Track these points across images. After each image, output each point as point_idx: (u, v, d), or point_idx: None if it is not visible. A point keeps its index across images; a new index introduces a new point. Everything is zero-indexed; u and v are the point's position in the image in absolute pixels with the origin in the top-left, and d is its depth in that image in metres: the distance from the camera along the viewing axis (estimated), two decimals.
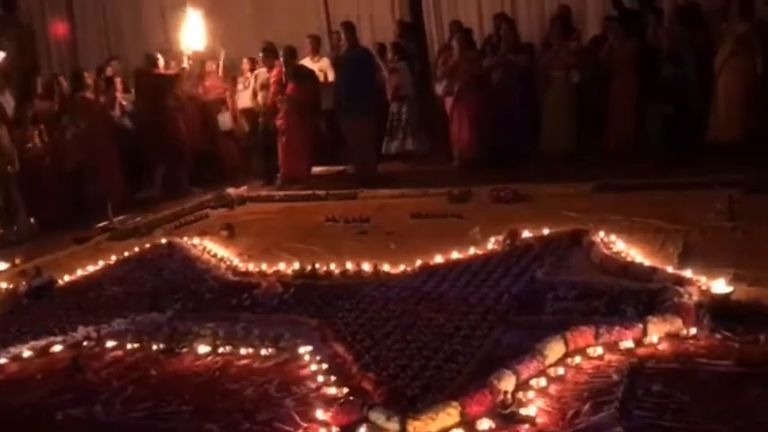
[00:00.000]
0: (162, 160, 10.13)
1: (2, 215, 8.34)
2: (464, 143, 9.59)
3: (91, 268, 6.65)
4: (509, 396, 3.45)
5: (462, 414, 3.36)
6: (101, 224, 8.29)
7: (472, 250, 5.80)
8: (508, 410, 3.40)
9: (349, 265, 5.79)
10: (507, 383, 3.53)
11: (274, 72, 9.78)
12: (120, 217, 8.50)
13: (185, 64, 10.59)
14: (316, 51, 10.52)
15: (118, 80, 10.32)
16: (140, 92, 10.22)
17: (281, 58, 9.76)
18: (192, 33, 10.64)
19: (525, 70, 9.35)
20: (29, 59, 11.29)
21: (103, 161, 9.41)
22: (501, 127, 9.32)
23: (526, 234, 5.93)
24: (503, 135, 9.32)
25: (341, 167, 10.34)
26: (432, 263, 5.60)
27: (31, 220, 8.56)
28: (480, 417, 3.37)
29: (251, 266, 6.18)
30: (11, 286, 6.33)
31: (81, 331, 4.99)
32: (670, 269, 4.87)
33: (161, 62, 10.23)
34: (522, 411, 3.40)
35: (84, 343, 4.92)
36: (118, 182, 9.57)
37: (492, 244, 5.91)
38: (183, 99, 10.27)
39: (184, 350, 4.62)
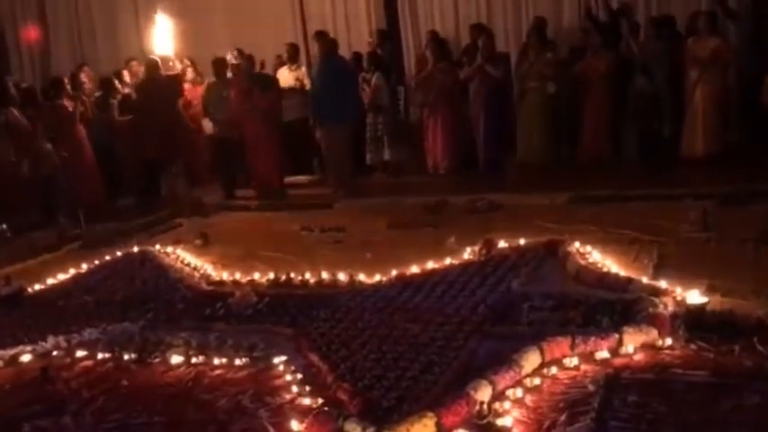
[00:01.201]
0: (174, 160, 10.19)
1: None
2: (439, 153, 9.61)
3: (61, 276, 6.55)
4: (485, 406, 3.43)
5: (438, 425, 3.33)
6: (71, 233, 8.16)
7: (448, 260, 5.79)
8: (484, 421, 3.38)
9: (324, 275, 5.76)
10: (483, 394, 3.51)
11: (235, 82, 9.70)
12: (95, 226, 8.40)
13: (178, 66, 10.57)
14: (293, 60, 10.48)
15: (87, 85, 10.22)
16: (149, 94, 10.09)
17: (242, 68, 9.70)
18: (163, 39, 10.57)
19: (501, 81, 9.38)
20: None
21: (80, 168, 9.30)
22: (476, 137, 9.35)
23: (502, 244, 5.93)
24: (478, 146, 9.34)
25: (315, 177, 10.30)
26: (407, 273, 5.58)
27: (3, 226, 8.42)
28: (456, 427, 3.35)
29: (225, 275, 6.12)
30: None
31: (51, 341, 4.90)
32: (645, 280, 4.89)
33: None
34: (499, 422, 3.38)
35: (54, 353, 4.83)
36: (95, 190, 9.44)
37: (468, 254, 5.90)
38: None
39: (156, 360, 4.55)
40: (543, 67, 9.16)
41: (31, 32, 13.14)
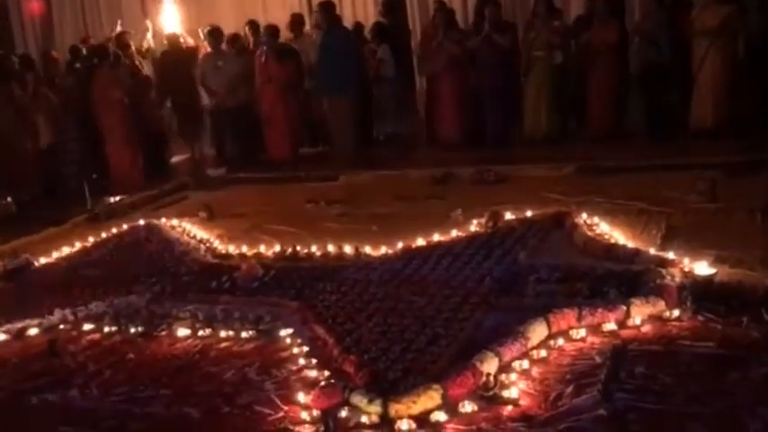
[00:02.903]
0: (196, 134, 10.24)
1: None
2: (446, 125, 9.53)
3: (68, 250, 6.55)
4: (491, 378, 3.42)
5: (444, 396, 3.33)
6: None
7: (454, 233, 5.77)
8: (490, 393, 3.38)
9: (330, 248, 5.75)
10: (490, 366, 3.50)
11: (258, 53, 9.65)
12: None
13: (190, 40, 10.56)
14: (298, 31, 10.38)
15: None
16: (170, 68, 10.05)
17: (263, 38, 9.65)
18: (170, 13, 10.52)
19: (508, 51, 9.28)
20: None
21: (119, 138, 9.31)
22: (483, 108, 9.26)
23: (508, 216, 5.91)
24: (485, 116, 9.27)
25: (321, 149, 10.26)
26: (413, 245, 5.56)
27: (8, 199, 8.43)
28: (462, 399, 3.34)
29: (231, 248, 6.11)
30: None
31: (57, 314, 4.91)
32: (653, 251, 4.87)
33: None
34: (505, 393, 3.38)
35: (61, 326, 4.84)
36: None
37: (474, 226, 5.88)
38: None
39: (163, 333, 4.56)
40: (550, 35, 9.04)
41: (35, 5, 13.05)
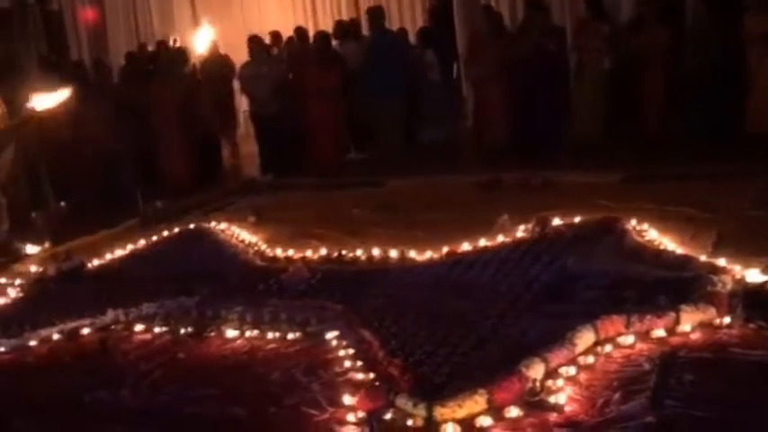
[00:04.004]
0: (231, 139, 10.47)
1: (32, 200, 8.39)
2: (493, 129, 9.49)
3: (120, 252, 6.69)
4: (537, 384, 3.41)
5: (489, 401, 3.32)
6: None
7: (501, 238, 5.74)
8: (536, 398, 3.36)
9: (375, 252, 5.77)
10: (536, 371, 3.48)
11: (304, 59, 9.76)
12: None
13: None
14: (342, 36, 10.46)
15: None
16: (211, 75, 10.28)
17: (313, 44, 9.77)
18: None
19: (557, 56, 9.22)
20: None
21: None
22: (531, 113, 9.21)
23: (556, 222, 5.85)
24: (533, 121, 9.21)
25: (366, 154, 10.30)
26: (459, 250, 5.55)
27: (62, 204, 8.63)
28: (508, 404, 3.33)
29: (278, 252, 6.17)
30: (41, 270, 6.37)
31: (110, 314, 5.01)
32: (703, 258, 4.78)
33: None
34: (551, 399, 3.35)
35: (113, 326, 4.94)
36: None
37: (521, 232, 5.84)
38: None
39: (212, 334, 4.63)
40: (599, 41, 8.96)
41: (89, 13, 13.36)
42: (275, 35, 10.97)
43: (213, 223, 7.25)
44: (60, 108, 7.46)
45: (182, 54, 10.12)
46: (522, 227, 5.89)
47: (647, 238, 5.35)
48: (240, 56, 10.65)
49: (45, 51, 11.25)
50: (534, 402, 3.35)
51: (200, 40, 11.29)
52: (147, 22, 13.61)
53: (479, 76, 9.58)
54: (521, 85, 9.32)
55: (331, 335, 4.35)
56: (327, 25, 11.10)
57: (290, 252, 6.08)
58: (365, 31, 10.79)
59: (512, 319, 4.25)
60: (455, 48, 11.06)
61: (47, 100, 6.83)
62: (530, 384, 3.40)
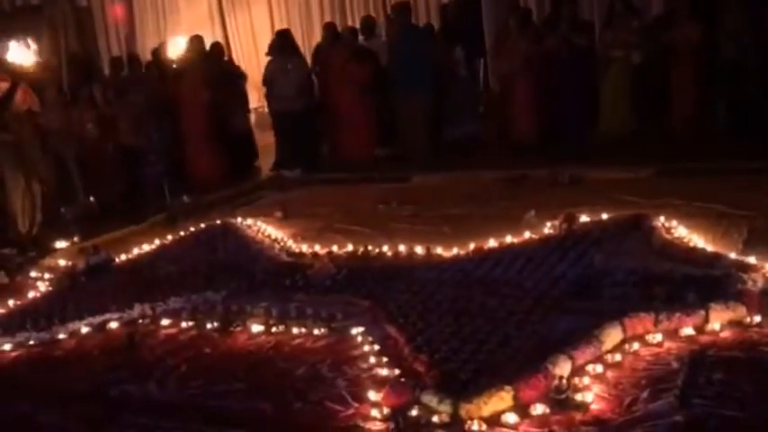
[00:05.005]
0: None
1: (61, 195, 8.48)
2: (520, 125, 9.43)
3: (147, 247, 6.74)
4: (564, 381, 3.38)
5: (515, 398, 3.31)
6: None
7: (527, 234, 5.70)
8: (563, 396, 3.33)
9: (401, 248, 5.76)
10: (562, 369, 3.46)
11: (334, 54, 9.76)
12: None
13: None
14: (370, 33, 10.44)
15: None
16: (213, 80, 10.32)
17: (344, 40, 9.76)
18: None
19: (585, 50, 9.14)
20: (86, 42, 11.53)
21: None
22: (559, 108, 9.13)
23: (583, 218, 5.81)
24: (560, 117, 9.13)
25: (393, 150, 10.28)
26: (485, 247, 5.52)
27: (91, 199, 8.72)
28: (534, 401, 3.31)
29: (304, 248, 6.19)
30: (69, 264, 6.44)
31: (137, 309, 5.05)
32: (733, 255, 4.72)
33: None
34: (578, 397, 3.33)
35: (140, 320, 4.99)
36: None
37: (548, 228, 5.80)
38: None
39: (238, 329, 4.65)
40: (629, 35, 8.86)
41: (118, 10, 13.48)
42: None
43: (239, 219, 7.28)
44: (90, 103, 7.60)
45: (214, 51, 10.16)
46: (549, 223, 5.85)
47: (675, 235, 5.29)
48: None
49: (75, 47, 11.34)
50: (560, 400, 3.32)
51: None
52: (175, 19, 13.68)
53: (506, 71, 9.51)
54: (548, 80, 9.25)
55: (356, 330, 4.35)
56: (355, 22, 11.10)
57: (317, 247, 6.10)
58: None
59: (538, 316, 4.22)
60: (482, 43, 11.00)
61: None
62: (556, 382, 3.37)
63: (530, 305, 4.36)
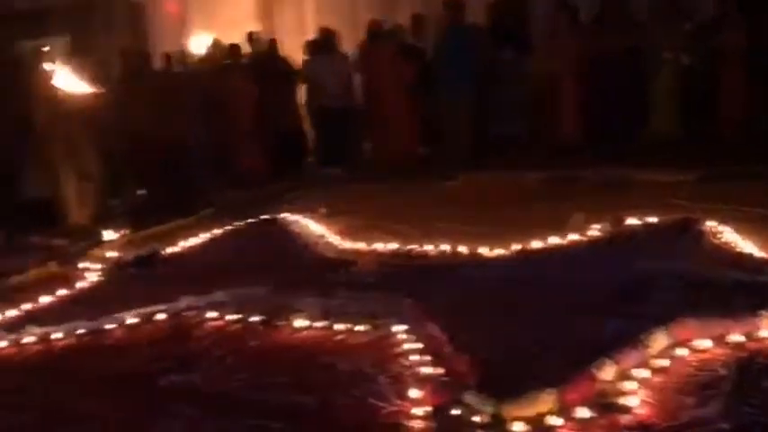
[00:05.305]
0: None
1: (111, 188, 8.65)
2: (567, 125, 9.35)
3: (194, 241, 6.84)
4: (609, 386, 3.35)
5: (559, 400, 3.28)
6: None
7: (573, 236, 5.66)
8: (607, 400, 3.31)
9: (445, 247, 5.76)
10: (607, 373, 3.43)
11: (379, 51, 9.79)
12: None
13: None
14: (418, 31, 10.44)
15: None
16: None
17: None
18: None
19: (634, 51, 9.02)
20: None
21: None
22: (607, 109, 9.04)
23: (630, 221, 5.75)
24: (608, 117, 9.03)
25: (438, 148, 10.27)
26: (530, 247, 5.50)
27: (140, 192, 8.88)
28: (577, 405, 3.28)
29: (348, 244, 6.22)
30: (118, 255, 6.57)
31: (183, 301, 5.12)
32: None
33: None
34: (622, 401, 3.30)
35: (186, 312, 5.05)
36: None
37: (594, 230, 5.75)
38: None
39: (282, 323, 4.70)
40: (678, 37, 8.74)
41: (172, 5, 13.65)
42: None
43: (285, 214, 7.35)
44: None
45: (272, 49, 10.29)
46: (595, 225, 5.80)
47: (724, 240, 5.22)
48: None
49: (128, 42, 11.51)
50: (605, 404, 3.29)
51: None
52: (224, 15, 13.78)
53: (553, 70, 9.44)
54: (596, 80, 9.16)
55: (399, 328, 4.36)
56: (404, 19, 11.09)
57: (360, 245, 6.12)
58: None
59: (583, 319, 4.19)
60: (528, 42, 10.91)
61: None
62: (600, 386, 3.35)
63: (575, 307, 4.33)
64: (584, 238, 5.61)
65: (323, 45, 10.07)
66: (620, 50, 8.82)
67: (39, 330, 4.87)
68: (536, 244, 5.53)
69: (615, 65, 8.82)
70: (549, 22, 10.30)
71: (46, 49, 8.42)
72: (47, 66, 7.93)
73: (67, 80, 7.79)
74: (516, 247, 5.53)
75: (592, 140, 9.10)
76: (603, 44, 8.94)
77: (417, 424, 3.37)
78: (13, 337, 4.84)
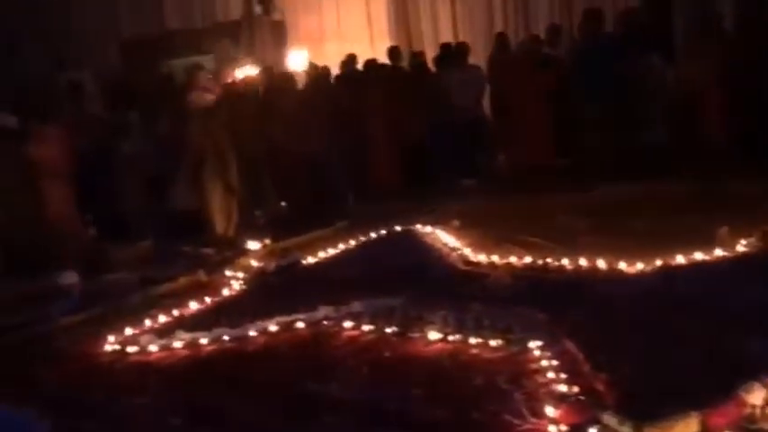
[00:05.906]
0: None
1: (255, 199, 8.99)
2: (713, 133, 8.93)
3: (331, 251, 7.01)
4: (758, 411, 3.18)
5: (703, 425, 3.14)
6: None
7: (719, 251, 5.41)
8: (756, 426, 3.14)
9: (582, 261, 5.64)
10: (757, 397, 3.25)
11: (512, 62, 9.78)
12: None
13: None
14: (554, 41, 10.28)
15: None
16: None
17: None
18: None
19: None
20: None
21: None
22: (754, 117, 8.57)
23: None
24: (755, 125, 8.55)
25: (575, 158, 10.05)
26: (673, 263, 5.30)
27: (282, 204, 9.19)
28: (723, 430, 3.14)
29: (482, 257, 6.20)
30: (261, 265, 6.83)
31: (321, 310, 5.26)
32: None
33: None
34: None
35: (324, 322, 5.19)
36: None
37: (742, 246, 5.47)
38: None
39: (416, 335, 4.74)
40: None
41: (310, 21, 14.05)
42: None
43: (419, 226, 7.41)
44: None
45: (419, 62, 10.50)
46: (743, 240, 5.52)
47: None
48: None
49: (270, 60, 11.95)
50: (753, 430, 3.14)
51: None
52: (359, 29, 14.06)
53: (697, 75, 9.05)
54: (743, 86, 8.70)
55: (534, 344, 4.30)
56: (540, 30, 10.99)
57: (494, 258, 6.09)
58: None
59: (730, 339, 3.99)
60: (672, 47, 10.53)
61: None
62: (749, 410, 3.18)
63: (721, 327, 4.14)
64: (732, 254, 5.34)
65: (455, 58, 10.11)
66: (763, 56, 8.35)
67: (187, 336, 5.15)
68: (680, 260, 5.31)
69: (759, 70, 8.36)
70: (692, 26, 9.94)
71: (197, 66, 8.82)
72: (198, 82, 8.34)
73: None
74: (658, 262, 5.33)
75: (737, 148, 8.65)
76: (748, 50, 8.50)
77: None
78: (163, 341, 5.13)
